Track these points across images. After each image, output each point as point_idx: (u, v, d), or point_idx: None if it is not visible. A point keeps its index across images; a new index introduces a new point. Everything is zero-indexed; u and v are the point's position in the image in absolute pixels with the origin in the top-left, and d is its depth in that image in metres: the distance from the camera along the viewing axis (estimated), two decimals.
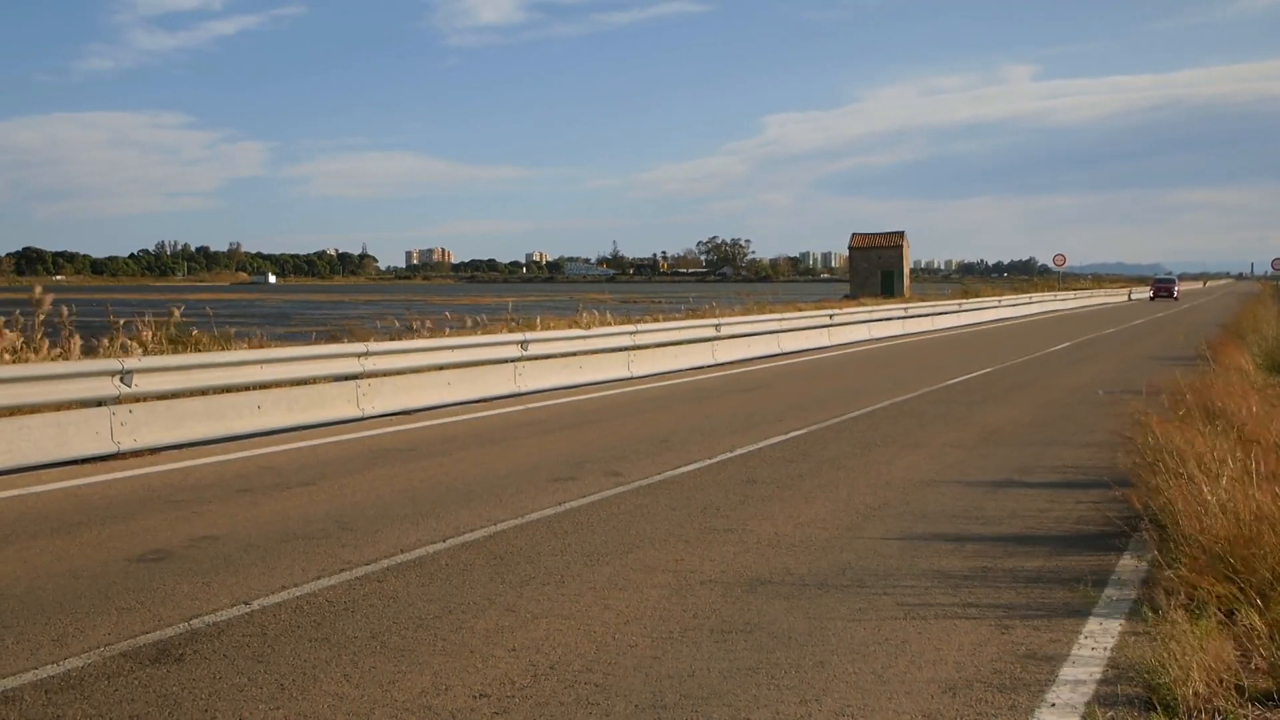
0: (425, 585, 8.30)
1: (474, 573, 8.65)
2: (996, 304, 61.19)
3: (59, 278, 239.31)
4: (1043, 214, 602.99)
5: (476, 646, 6.92)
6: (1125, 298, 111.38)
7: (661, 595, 8.04)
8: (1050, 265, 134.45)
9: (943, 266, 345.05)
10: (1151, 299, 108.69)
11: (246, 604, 7.84)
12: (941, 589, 8.20)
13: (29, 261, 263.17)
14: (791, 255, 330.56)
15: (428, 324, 26.33)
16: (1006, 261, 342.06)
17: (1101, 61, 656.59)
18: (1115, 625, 7.32)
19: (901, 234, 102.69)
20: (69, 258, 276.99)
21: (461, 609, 7.71)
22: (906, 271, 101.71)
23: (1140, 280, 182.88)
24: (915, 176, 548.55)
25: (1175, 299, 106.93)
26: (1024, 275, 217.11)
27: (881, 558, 9.10)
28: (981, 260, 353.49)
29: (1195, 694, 5.87)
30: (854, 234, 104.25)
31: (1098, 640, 7.02)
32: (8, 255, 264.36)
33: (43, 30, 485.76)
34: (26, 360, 16.20)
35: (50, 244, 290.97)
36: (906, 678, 6.39)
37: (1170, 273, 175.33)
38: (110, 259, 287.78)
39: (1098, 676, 6.37)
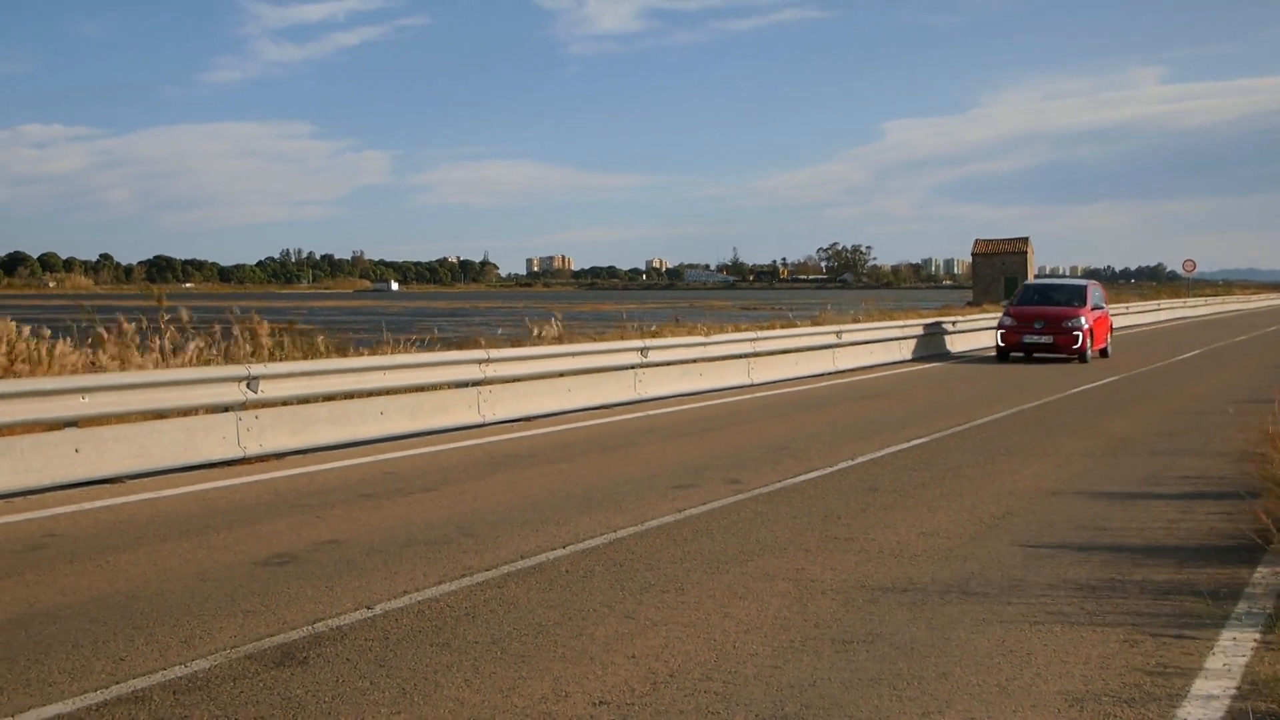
0: (545, 591, 8.32)
1: (594, 579, 8.65)
2: (1124, 311, 60.15)
3: (188, 285, 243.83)
4: (1170, 219, 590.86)
5: (596, 653, 6.92)
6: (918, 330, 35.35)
7: (782, 604, 7.99)
8: (1179, 271, 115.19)
9: (1068, 272, 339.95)
10: (1001, 351, 33.10)
11: (369, 608, 7.90)
12: (1068, 600, 8.06)
13: (159, 269, 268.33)
14: (913, 262, 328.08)
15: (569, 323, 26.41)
16: (1134, 267, 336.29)
17: (1230, 64, 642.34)
18: (1249, 640, 7.14)
19: (1025, 240, 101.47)
20: (197, 265, 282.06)
21: (581, 615, 7.71)
22: (1031, 277, 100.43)
23: (1270, 286, 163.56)
24: (1039, 182, 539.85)
25: (1080, 358, 31.83)
26: (1151, 281, 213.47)
27: (1006, 568, 8.97)
28: (1108, 266, 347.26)
29: None
30: (977, 240, 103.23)
31: (1231, 655, 6.85)
32: (139, 263, 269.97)
33: (172, 44, 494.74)
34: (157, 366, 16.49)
35: (179, 252, 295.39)
36: (1032, 690, 6.28)
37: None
38: (237, 267, 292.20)
39: (1232, 692, 6.21)
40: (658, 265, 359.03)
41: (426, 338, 22.28)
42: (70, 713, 5.98)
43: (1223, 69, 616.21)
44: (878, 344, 31.33)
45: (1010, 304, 35.15)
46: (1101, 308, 34.10)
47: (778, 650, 6.96)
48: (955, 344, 36.07)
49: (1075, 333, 31.61)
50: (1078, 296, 33.45)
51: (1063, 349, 31.74)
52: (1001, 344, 32.87)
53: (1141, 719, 5.88)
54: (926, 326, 35.07)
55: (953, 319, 38.51)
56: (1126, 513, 11.14)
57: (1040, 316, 32.50)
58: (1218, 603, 7.89)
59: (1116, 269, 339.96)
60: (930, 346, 34.27)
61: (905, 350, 32.60)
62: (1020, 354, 32.65)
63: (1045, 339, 32.01)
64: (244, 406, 14.39)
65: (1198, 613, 7.69)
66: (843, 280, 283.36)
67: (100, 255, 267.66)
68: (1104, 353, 33.75)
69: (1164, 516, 10.93)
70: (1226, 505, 11.33)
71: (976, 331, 38.43)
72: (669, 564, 9.10)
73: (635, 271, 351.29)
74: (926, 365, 31.10)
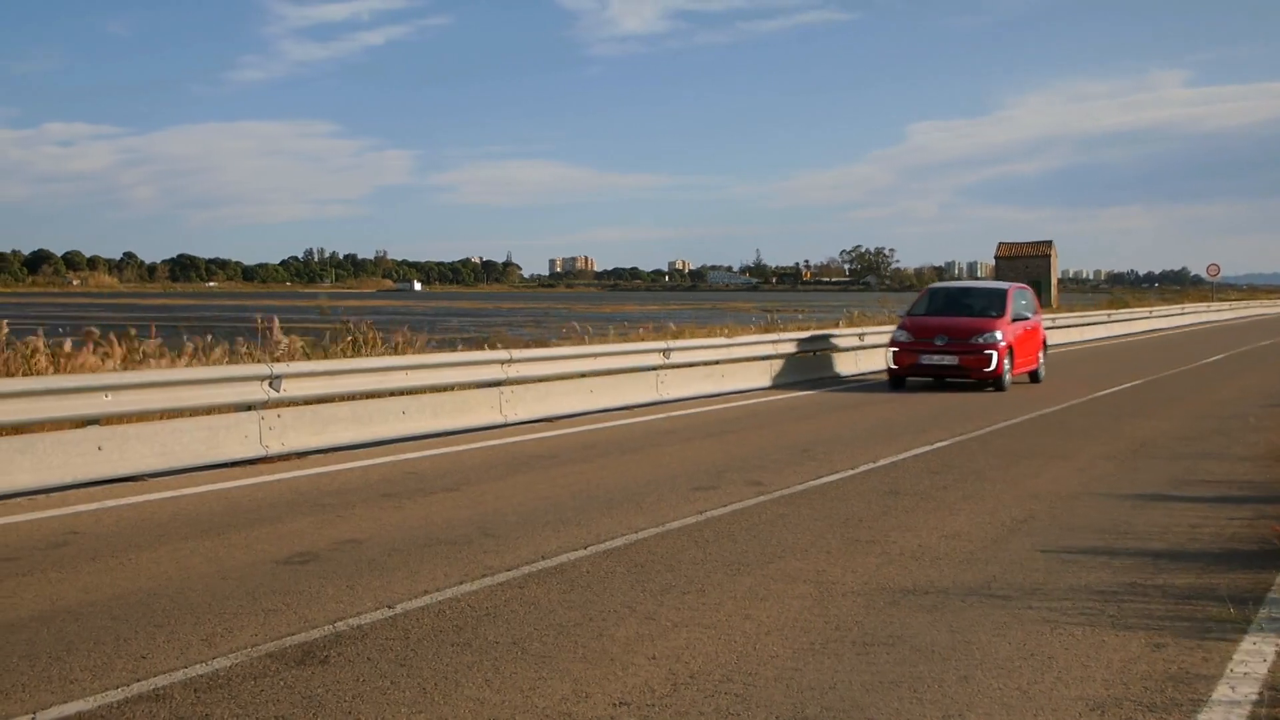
0: (566, 592, 8.32)
1: (615, 580, 8.65)
2: (1147, 315, 59.91)
3: (211, 284, 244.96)
4: (1195, 222, 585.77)
5: (617, 654, 6.92)
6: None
7: (803, 606, 7.98)
8: (1204, 275, 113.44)
9: (1091, 276, 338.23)
10: (893, 376, 25.56)
11: (390, 608, 7.91)
12: (1089, 604, 8.03)
13: (183, 268, 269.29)
14: (936, 264, 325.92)
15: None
16: (1158, 271, 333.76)
17: (1255, 67, 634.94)
18: (1271, 646, 7.10)
19: (1049, 243, 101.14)
20: (221, 264, 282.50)
21: (602, 616, 7.71)
22: (1054, 281, 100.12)
23: None
24: (1062, 185, 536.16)
25: (995, 385, 24.64)
26: (1176, 285, 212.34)
27: (1027, 571, 8.94)
28: (1131, 270, 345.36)
29: None
30: (1000, 243, 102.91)
31: (1253, 660, 6.82)
32: (163, 262, 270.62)
33: (197, 43, 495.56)
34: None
35: (203, 251, 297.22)
36: (1053, 694, 6.26)
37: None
38: (261, 265, 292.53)
39: (1253, 698, 6.18)
40: (680, 267, 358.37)
41: (452, 337, 22.40)
42: (91, 710, 6.00)
43: (1248, 72, 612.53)
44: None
45: (908, 314, 27.27)
46: (1026, 318, 26.46)
47: (798, 652, 6.95)
48: None
49: (987, 351, 24.33)
50: (995, 304, 26.01)
51: (972, 372, 24.65)
52: (894, 366, 25.42)
53: None
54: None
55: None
56: (1148, 517, 11.10)
57: (943, 330, 25.07)
58: (1240, 608, 7.85)
59: (1140, 272, 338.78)
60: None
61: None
62: (927, 378, 25.57)
63: (949, 360, 24.73)
64: (266, 405, 14.42)
65: (1220, 618, 7.66)
66: (865, 283, 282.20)
67: (124, 253, 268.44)
68: (1034, 376, 26.87)
69: (1186, 521, 10.89)
70: (1249, 510, 11.29)
71: None
72: (690, 565, 9.10)
73: (658, 273, 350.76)
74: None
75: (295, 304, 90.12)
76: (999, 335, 24.51)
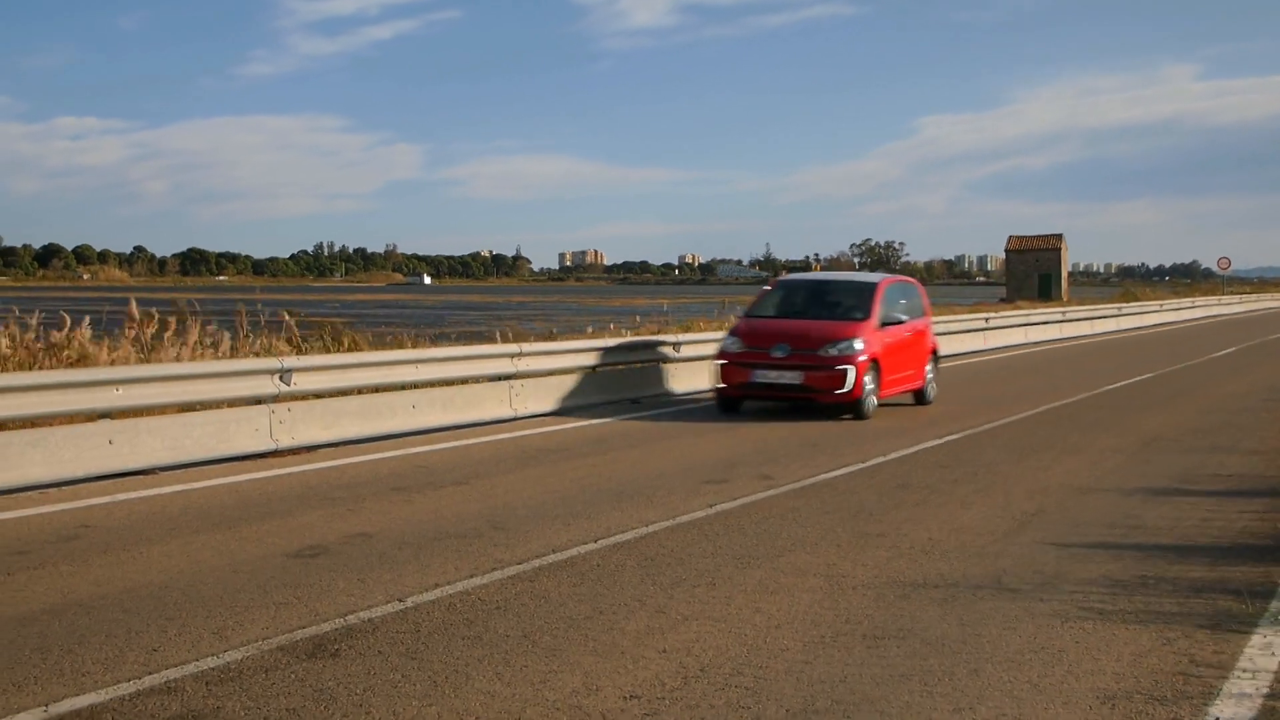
0: (576, 585, 8.32)
1: (625, 574, 8.65)
2: (1158, 308, 59.78)
3: (221, 278, 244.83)
4: (1205, 216, 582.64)
5: (627, 647, 6.92)
6: None
7: (813, 599, 7.98)
8: (1214, 268, 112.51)
9: (1101, 270, 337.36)
10: (722, 397, 19.01)
11: (400, 601, 7.92)
12: (1100, 597, 8.03)
13: (193, 262, 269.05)
14: (946, 258, 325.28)
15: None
16: (1168, 265, 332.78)
17: (1266, 60, 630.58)
18: None
19: (1059, 236, 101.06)
20: (231, 258, 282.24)
21: (612, 609, 7.72)
22: (1064, 275, 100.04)
23: None
24: (1073, 179, 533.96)
25: (854, 411, 18.21)
26: (1186, 279, 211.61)
27: (1037, 565, 8.94)
28: (1142, 264, 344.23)
29: None
30: (1010, 236, 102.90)
31: (1264, 653, 6.81)
32: (173, 256, 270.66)
33: (207, 37, 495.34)
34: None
35: (213, 245, 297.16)
36: (1063, 687, 6.25)
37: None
38: (271, 259, 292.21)
39: (1264, 690, 6.18)
40: (690, 260, 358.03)
41: (462, 331, 22.36)
42: (103, 703, 6.00)
43: (1258, 66, 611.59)
44: None
45: (746, 314, 21.40)
46: (902, 321, 19.93)
47: (809, 645, 6.96)
48: (989, 340, 35.84)
49: (840, 367, 18.15)
50: (860, 303, 19.55)
51: (819, 394, 18.32)
52: (722, 385, 19.14)
53: (1174, 717, 5.86)
54: (960, 323, 34.73)
55: (985, 316, 38.19)
56: (1158, 510, 11.09)
57: (785, 337, 18.77)
58: (1251, 601, 7.85)
59: (1151, 266, 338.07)
60: (965, 343, 34.00)
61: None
62: (772, 400, 19.19)
63: (790, 377, 18.41)
64: (276, 399, 14.43)
65: (1230, 611, 7.65)
66: None
67: (135, 247, 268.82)
68: (920, 397, 20.68)
69: (1196, 514, 10.87)
70: (1260, 503, 11.28)
71: (1010, 329, 38.29)
72: (700, 559, 9.10)
73: (668, 266, 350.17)
74: (958, 362, 30.85)
75: (305, 298, 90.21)
76: (858, 345, 18.42)
